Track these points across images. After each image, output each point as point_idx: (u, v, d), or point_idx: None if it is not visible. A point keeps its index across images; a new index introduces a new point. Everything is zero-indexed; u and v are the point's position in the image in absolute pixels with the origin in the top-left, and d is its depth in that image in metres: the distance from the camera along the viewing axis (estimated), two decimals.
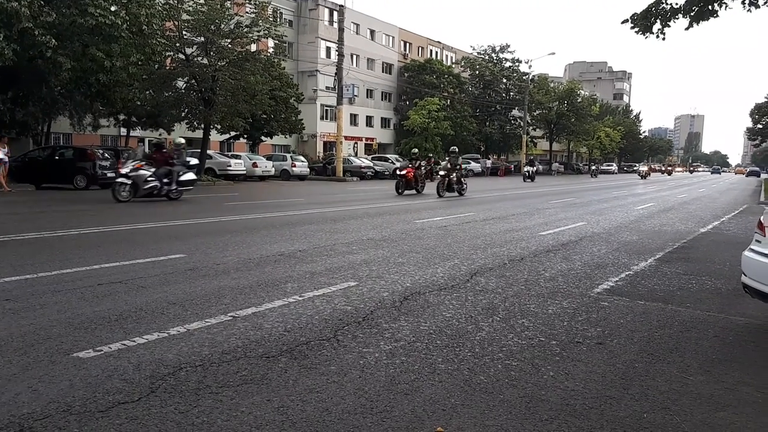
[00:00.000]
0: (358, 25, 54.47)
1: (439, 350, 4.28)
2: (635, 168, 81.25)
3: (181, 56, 27.62)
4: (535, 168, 42.46)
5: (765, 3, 11.20)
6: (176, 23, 26.67)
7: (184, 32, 27.10)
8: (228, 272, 6.74)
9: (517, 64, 65.36)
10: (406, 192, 22.11)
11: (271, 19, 30.65)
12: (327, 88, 50.73)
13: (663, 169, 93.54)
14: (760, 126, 71.19)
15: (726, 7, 11.14)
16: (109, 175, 21.62)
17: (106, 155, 22.32)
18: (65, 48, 20.49)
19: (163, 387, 3.47)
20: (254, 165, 31.85)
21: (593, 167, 66.16)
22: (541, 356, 4.23)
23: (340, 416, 3.17)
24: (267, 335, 4.49)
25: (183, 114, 29.65)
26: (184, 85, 28.50)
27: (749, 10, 11.22)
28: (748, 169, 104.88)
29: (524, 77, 63.45)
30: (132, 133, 35.19)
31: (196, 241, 9.13)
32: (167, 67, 28.19)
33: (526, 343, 4.53)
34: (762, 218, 5.14)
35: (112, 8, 21.25)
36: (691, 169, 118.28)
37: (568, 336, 4.74)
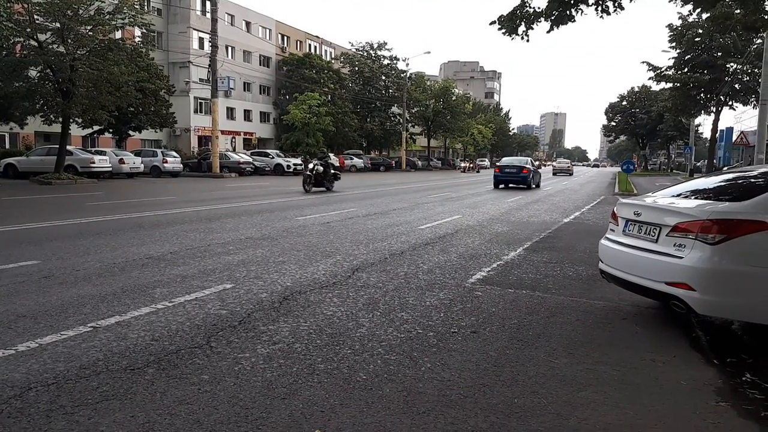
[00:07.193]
0: (233, 17, 52.70)
1: (318, 350, 4.20)
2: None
3: (33, 43, 25.09)
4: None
5: (614, 11, 12.28)
6: (26, 6, 24.15)
7: (35, 16, 24.63)
8: (89, 279, 6.20)
9: (394, 61, 66.75)
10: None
11: (137, 6, 28.70)
12: (201, 80, 48.61)
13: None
14: (614, 123, 78.85)
15: (582, 13, 12.09)
16: None
17: None
18: None
19: (8, 411, 3.10)
20: (121, 161, 29.70)
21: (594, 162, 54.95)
22: (419, 348, 4.29)
23: (212, 427, 2.99)
24: (132, 345, 4.16)
25: (37, 106, 27.07)
26: (38, 74, 25.98)
27: (602, 17, 12.28)
28: (593, 163, 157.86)
29: (402, 75, 64.85)
30: None
31: (52, 245, 8.32)
32: (17, 55, 25.52)
33: (405, 336, 4.58)
34: (615, 209, 5.60)
35: None
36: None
37: (445, 326, 4.86)
